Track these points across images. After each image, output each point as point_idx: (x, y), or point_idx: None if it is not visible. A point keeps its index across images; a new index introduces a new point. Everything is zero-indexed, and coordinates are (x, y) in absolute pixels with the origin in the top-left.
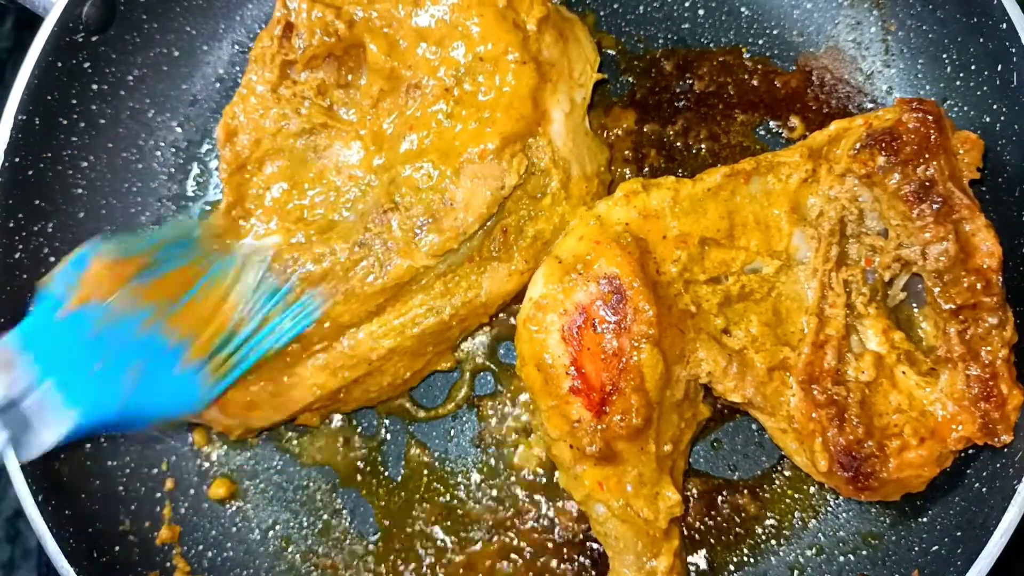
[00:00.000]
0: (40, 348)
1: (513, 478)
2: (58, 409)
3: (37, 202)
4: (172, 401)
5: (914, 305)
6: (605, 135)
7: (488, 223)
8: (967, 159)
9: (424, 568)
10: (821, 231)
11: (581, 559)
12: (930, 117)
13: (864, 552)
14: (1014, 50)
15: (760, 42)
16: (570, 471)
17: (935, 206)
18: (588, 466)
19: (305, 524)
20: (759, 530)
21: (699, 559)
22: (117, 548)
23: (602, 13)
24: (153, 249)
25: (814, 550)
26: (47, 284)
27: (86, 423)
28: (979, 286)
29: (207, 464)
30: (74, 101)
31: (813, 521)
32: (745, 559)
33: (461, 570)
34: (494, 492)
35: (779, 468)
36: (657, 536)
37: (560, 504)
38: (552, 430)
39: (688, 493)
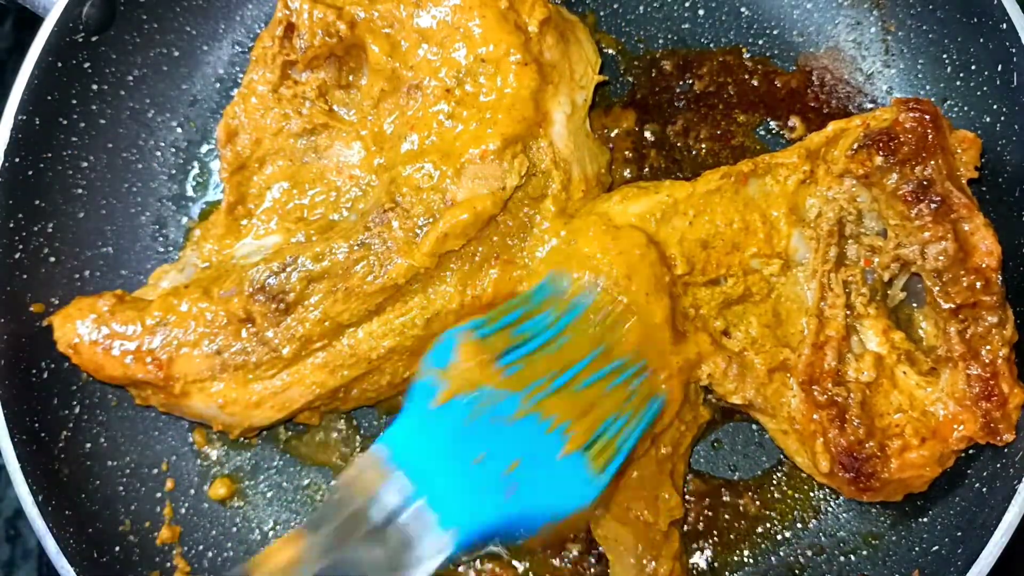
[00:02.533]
0: (410, 455)
1: None
2: (435, 529)
3: (37, 202)
4: (558, 497)
5: (914, 304)
6: (605, 135)
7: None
8: (965, 158)
9: None
10: (820, 232)
11: (582, 559)
12: (927, 116)
13: (864, 552)
14: (1014, 50)
15: (760, 42)
16: None
17: (933, 205)
18: None
19: None
20: (759, 530)
21: (699, 559)
22: (117, 548)
23: (602, 13)
24: (515, 324)
25: (814, 550)
26: (419, 376)
27: (466, 541)
28: (978, 285)
29: (207, 464)
30: (74, 101)
31: (813, 521)
32: (745, 559)
33: (460, 570)
34: None
35: (779, 468)
36: (657, 539)
37: None
38: None
39: (688, 493)
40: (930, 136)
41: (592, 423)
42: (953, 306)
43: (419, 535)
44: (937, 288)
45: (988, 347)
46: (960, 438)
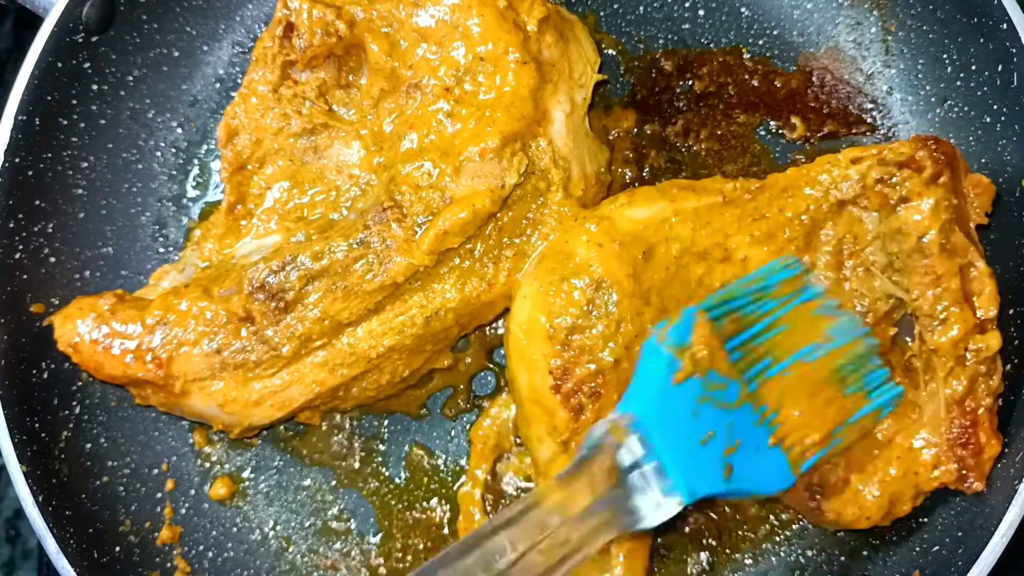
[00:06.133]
0: (651, 422)
1: (513, 479)
2: (659, 490)
3: (37, 202)
4: (760, 483)
5: (907, 339)
6: (605, 135)
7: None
8: (977, 203)
9: None
10: (820, 256)
11: None
12: (943, 157)
13: (864, 552)
14: (1014, 50)
15: (760, 42)
16: (546, 472)
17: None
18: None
19: (305, 524)
20: (760, 530)
21: (699, 559)
22: (117, 548)
23: (602, 14)
24: (748, 305)
25: (815, 550)
26: (657, 344)
27: (685, 506)
28: (974, 332)
29: (207, 464)
30: (74, 101)
31: None
32: (745, 559)
33: None
34: (494, 493)
35: None
36: (625, 538)
37: None
38: (532, 428)
39: None
40: (944, 177)
41: (798, 421)
42: (944, 350)
43: (645, 491)
44: (931, 329)
45: (973, 394)
46: (931, 480)
